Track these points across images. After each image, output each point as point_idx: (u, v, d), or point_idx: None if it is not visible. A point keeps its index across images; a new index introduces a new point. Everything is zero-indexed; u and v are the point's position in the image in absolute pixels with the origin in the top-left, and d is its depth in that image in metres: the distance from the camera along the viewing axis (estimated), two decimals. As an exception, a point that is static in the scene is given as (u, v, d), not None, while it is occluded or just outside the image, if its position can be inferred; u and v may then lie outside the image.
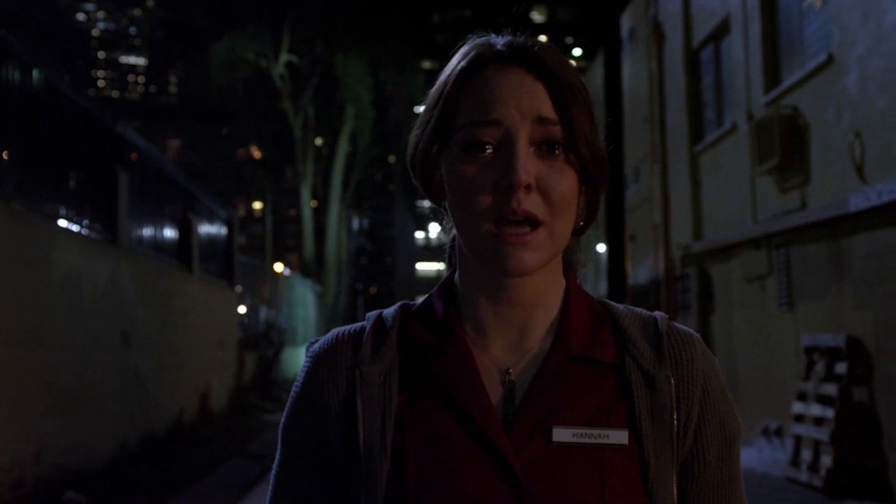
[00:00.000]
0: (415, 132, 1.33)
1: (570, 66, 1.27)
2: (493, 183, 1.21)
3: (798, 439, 10.97)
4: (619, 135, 13.94)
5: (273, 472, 1.38)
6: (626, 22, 21.99)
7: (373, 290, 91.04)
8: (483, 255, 1.25)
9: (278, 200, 56.45)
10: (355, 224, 70.21)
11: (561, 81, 1.23)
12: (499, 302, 1.31)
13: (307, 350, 1.38)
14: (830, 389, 10.36)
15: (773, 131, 12.03)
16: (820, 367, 10.80)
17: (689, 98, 17.00)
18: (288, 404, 1.36)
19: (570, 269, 1.39)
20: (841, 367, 10.31)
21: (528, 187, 1.20)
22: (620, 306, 1.38)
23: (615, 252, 13.73)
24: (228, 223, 21.52)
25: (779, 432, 12.52)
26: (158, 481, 10.79)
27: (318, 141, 45.17)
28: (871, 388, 10.06)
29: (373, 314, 1.38)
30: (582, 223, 1.33)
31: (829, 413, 10.24)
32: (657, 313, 1.37)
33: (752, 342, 13.87)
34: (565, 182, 1.23)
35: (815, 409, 10.59)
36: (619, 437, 1.25)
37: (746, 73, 13.84)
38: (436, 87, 1.30)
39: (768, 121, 12.26)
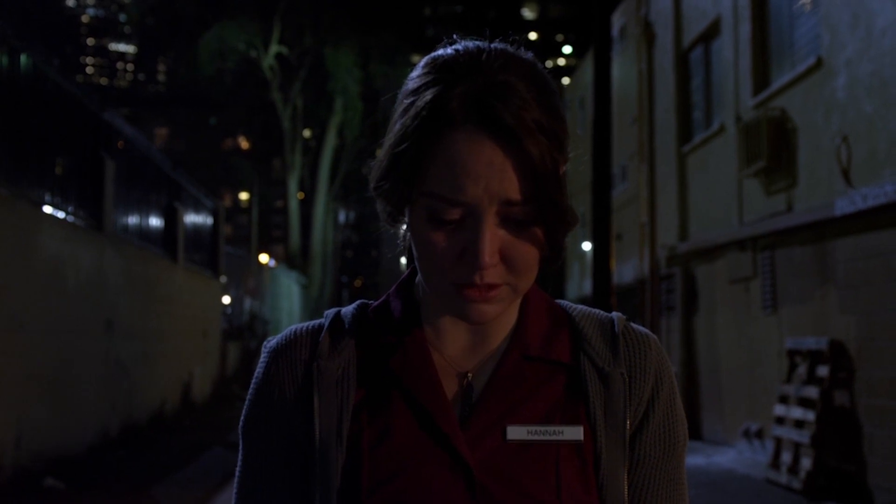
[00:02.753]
0: (380, 161, 1.26)
1: (533, 97, 1.18)
2: (458, 251, 1.19)
3: (779, 441, 11.00)
4: (608, 133, 13.91)
5: (237, 472, 1.37)
6: (616, 20, 22.00)
7: (358, 282, 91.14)
8: (444, 303, 1.25)
9: (265, 191, 56.39)
10: (342, 217, 70.19)
11: (529, 150, 1.15)
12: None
13: (264, 347, 1.37)
14: (812, 392, 10.40)
15: (760, 133, 12.05)
16: (802, 369, 10.83)
17: (677, 98, 17.02)
18: (247, 402, 1.36)
19: None
20: (823, 371, 10.34)
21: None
22: (578, 307, 1.39)
23: (600, 250, 13.70)
24: (214, 213, 21.51)
25: (760, 434, 12.56)
26: (139, 469, 10.78)
27: (307, 133, 45.21)
28: (852, 392, 10.09)
29: (331, 312, 1.38)
30: (548, 259, 1.29)
31: (810, 416, 10.27)
32: (614, 314, 1.39)
33: (735, 343, 13.90)
34: (529, 249, 1.22)
35: (797, 412, 10.62)
36: (574, 433, 1.27)
37: (735, 75, 13.86)
38: (400, 119, 1.22)
39: (756, 123, 12.29)
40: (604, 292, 13.59)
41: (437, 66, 1.22)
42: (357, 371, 1.31)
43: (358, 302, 1.40)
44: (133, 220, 14.35)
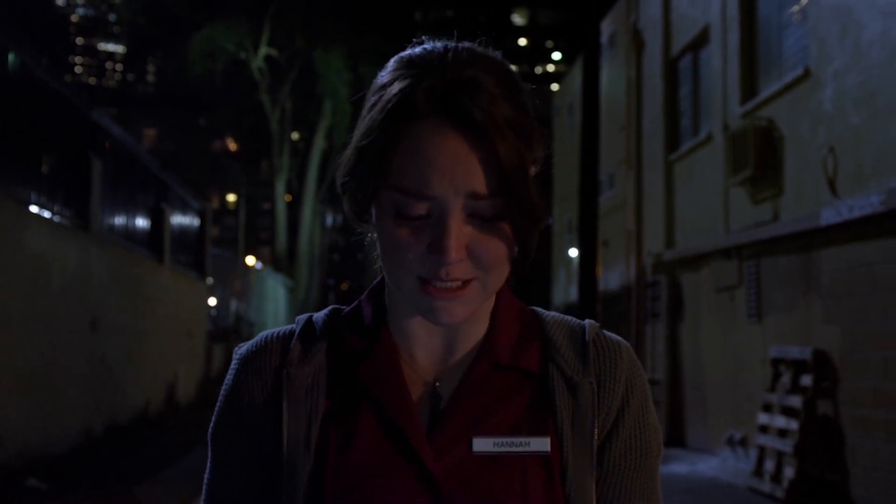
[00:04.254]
0: (345, 164, 1.26)
1: (504, 93, 1.18)
2: (424, 246, 1.18)
3: (762, 450, 11.03)
4: (596, 140, 13.96)
5: (205, 479, 1.35)
6: (606, 28, 22.04)
7: (344, 286, 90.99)
8: (411, 304, 1.24)
9: (253, 193, 56.32)
10: (329, 220, 70.14)
11: (496, 144, 1.15)
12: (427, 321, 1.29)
13: (235, 353, 1.36)
14: (795, 401, 10.43)
15: (747, 142, 12.09)
16: (786, 378, 10.86)
17: (666, 106, 17.05)
18: (217, 408, 1.34)
19: None
20: (806, 380, 10.37)
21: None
22: (550, 314, 1.38)
23: (587, 257, 13.74)
24: (201, 214, 21.47)
25: (743, 442, 12.58)
26: (123, 469, 10.75)
27: (295, 135, 45.19)
28: (836, 402, 10.12)
29: (302, 318, 1.37)
30: (519, 263, 1.28)
31: (794, 425, 10.30)
32: (587, 321, 1.37)
33: (719, 352, 13.93)
34: (497, 246, 1.20)
35: (780, 421, 10.65)
36: (541, 444, 1.25)
37: (724, 84, 13.90)
38: (366, 120, 1.23)
39: (743, 132, 12.32)
40: (589, 299, 13.62)
41: (404, 63, 1.23)
42: (327, 379, 1.30)
43: (330, 307, 1.39)
44: (119, 220, 14.32)
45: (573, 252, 25.27)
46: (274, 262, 43.27)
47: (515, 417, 1.27)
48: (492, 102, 1.16)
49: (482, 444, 1.24)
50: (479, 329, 1.32)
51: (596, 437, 1.28)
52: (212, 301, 24.16)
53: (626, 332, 17.82)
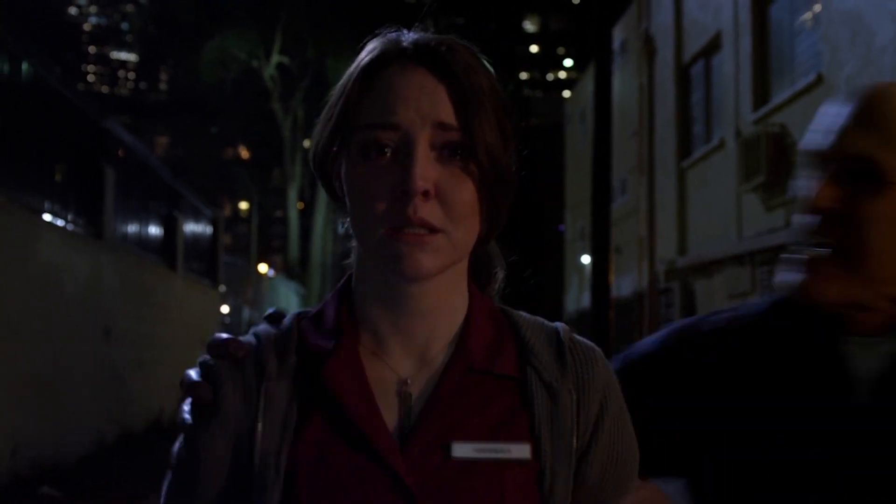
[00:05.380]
0: (318, 128, 1.29)
1: (481, 67, 1.24)
2: (390, 188, 1.18)
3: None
4: (608, 147, 13.92)
5: (165, 484, 1.31)
6: (617, 34, 22.04)
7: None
8: (379, 258, 1.22)
9: (265, 201, 56.41)
10: (341, 227, 70.29)
11: (464, 85, 1.20)
12: (397, 311, 1.27)
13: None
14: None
15: (760, 149, 12.07)
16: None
17: (678, 113, 17.04)
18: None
19: (476, 277, 1.35)
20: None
21: (425, 194, 1.17)
22: (521, 314, 1.35)
23: (599, 264, 13.69)
24: (214, 222, 21.49)
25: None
26: (136, 477, 10.75)
27: (307, 143, 45.21)
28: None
29: (262, 328, 1.34)
30: (486, 231, 1.28)
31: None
32: (558, 324, 1.34)
33: (733, 358, 13.87)
34: (465, 190, 1.20)
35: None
36: (521, 451, 1.22)
37: (736, 90, 13.88)
38: (340, 82, 1.27)
39: (756, 138, 12.30)
40: (602, 306, 13.57)
41: (384, 38, 1.29)
42: (298, 388, 1.25)
43: (295, 312, 1.36)
44: (132, 228, 14.34)
45: (585, 259, 25.24)
46: (286, 269, 43.35)
47: (492, 423, 1.23)
48: (469, 64, 1.23)
49: (461, 450, 1.20)
50: (452, 325, 1.29)
51: (575, 445, 1.25)
52: (224, 309, 24.20)
53: (638, 339, 17.77)
